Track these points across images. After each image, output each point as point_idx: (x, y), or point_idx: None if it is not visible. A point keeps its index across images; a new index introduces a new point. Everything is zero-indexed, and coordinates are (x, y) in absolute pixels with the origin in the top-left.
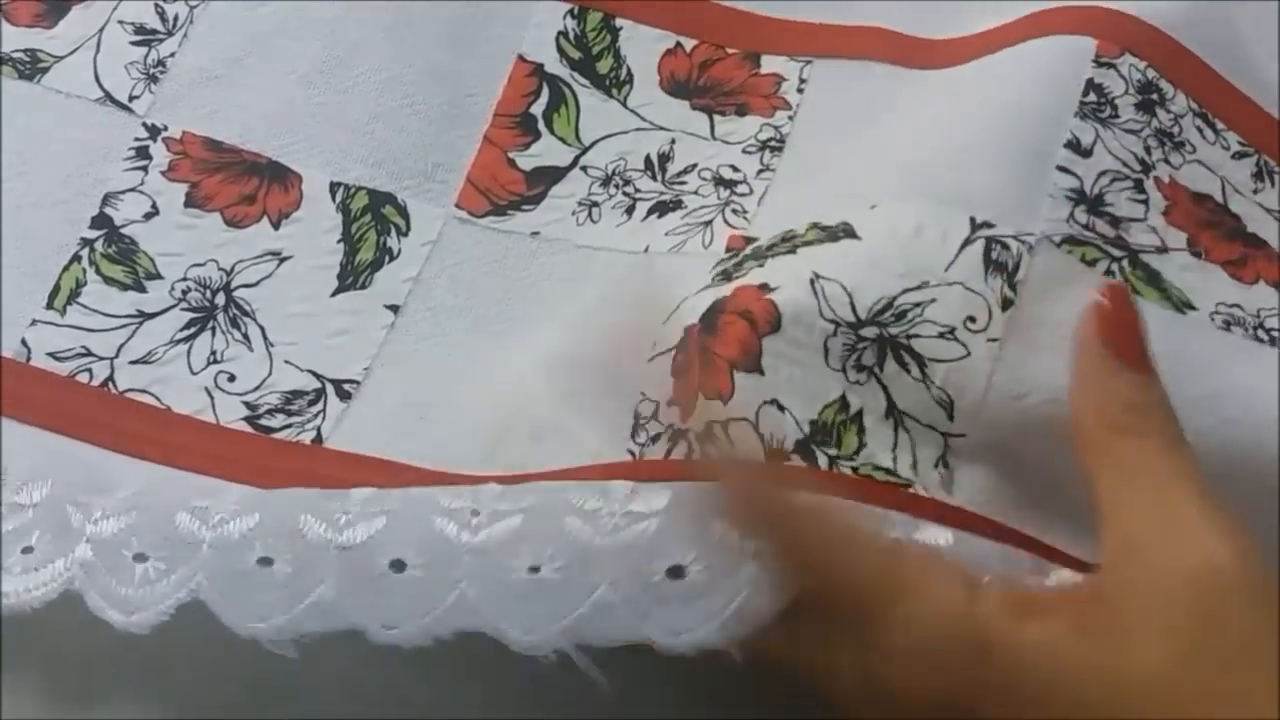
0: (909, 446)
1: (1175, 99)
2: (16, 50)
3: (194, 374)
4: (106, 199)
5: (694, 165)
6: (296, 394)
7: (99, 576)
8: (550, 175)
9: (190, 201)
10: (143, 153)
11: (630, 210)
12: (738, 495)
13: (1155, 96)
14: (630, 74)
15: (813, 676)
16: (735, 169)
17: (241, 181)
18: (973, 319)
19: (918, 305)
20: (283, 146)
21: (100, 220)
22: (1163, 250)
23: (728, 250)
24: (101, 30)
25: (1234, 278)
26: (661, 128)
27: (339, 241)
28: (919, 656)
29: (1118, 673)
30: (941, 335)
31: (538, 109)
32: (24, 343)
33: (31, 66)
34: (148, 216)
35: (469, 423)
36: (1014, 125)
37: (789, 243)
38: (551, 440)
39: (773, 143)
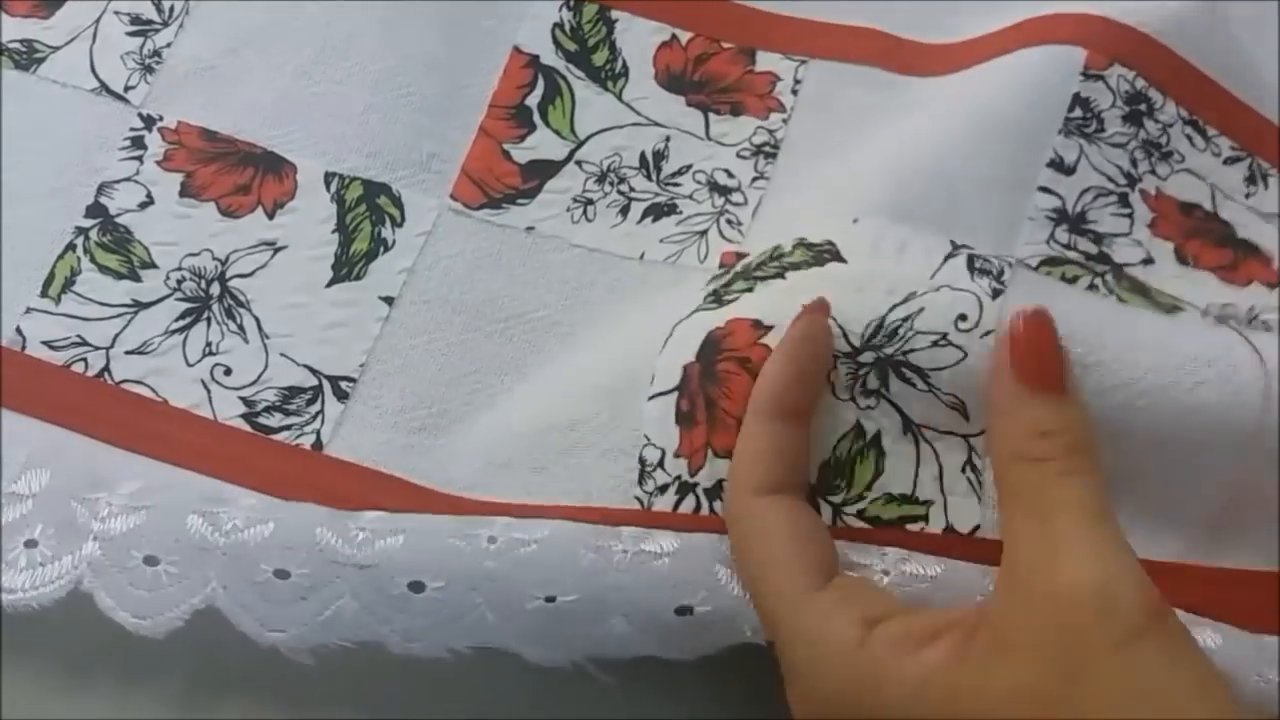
0: (933, 458)
1: (1164, 108)
2: (13, 40)
3: (190, 366)
4: (102, 188)
5: (689, 166)
6: (294, 391)
7: (109, 577)
8: (545, 169)
9: (185, 191)
10: (138, 142)
11: (625, 210)
12: None
13: (1143, 107)
14: (626, 66)
15: None
16: (730, 174)
17: (236, 171)
18: (964, 317)
19: (906, 319)
20: (278, 137)
21: (95, 209)
22: (1149, 262)
23: (721, 266)
24: (98, 21)
25: (1225, 281)
26: (656, 124)
27: (334, 232)
28: (817, 698)
29: (989, 695)
30: (935, 344)
31: (533, 101)
32: (19, 331)
33: (28, 56)
34: (143, 206)
35: (471, 442)
36: (996, 147)
37: (777, 262)
38: (556, 473)
39: (767, 148)
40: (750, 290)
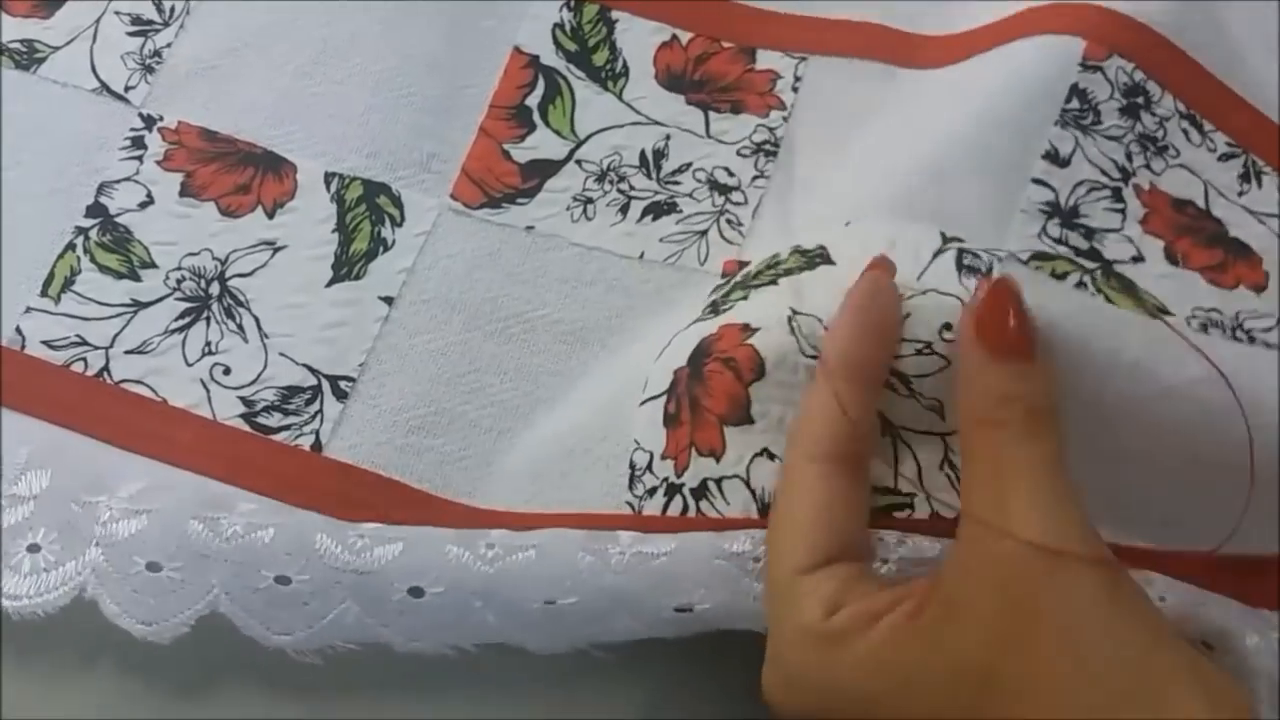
0: (910, 456)
1: (1162, 101)
2: (13, 40)
3: (189, 365)
4: (102, 188)
5: (689, 164)
6: (293, 391)
7: (113, 583)
8: (545, 168)
9: (185, 191)
10: (138, 142)
11: (625, 209)
12: None
13: (1141, 100)
14: (626, 66)
15: None
16: (730, 173)
17: (236, 171)
18: (949, 326)
19: None
20: (278, 137)
21: (95, 209)
22: (1138, 259)
23: (723, 276)
24: (98, 21)
25: (1213, 283)
26: (657, 122)
27: (333, 231)
28: (781, 677)
29: (935, 666)
30: (919, 352)
31: (533, 101)
32: (19, 330)
33: (28, 56)
34: (143, 205)
35: (470, 446)
36: (992, 139)
37: (772, 270)
38: (551, 480)
39: (767, 146)
40: (745, 299)
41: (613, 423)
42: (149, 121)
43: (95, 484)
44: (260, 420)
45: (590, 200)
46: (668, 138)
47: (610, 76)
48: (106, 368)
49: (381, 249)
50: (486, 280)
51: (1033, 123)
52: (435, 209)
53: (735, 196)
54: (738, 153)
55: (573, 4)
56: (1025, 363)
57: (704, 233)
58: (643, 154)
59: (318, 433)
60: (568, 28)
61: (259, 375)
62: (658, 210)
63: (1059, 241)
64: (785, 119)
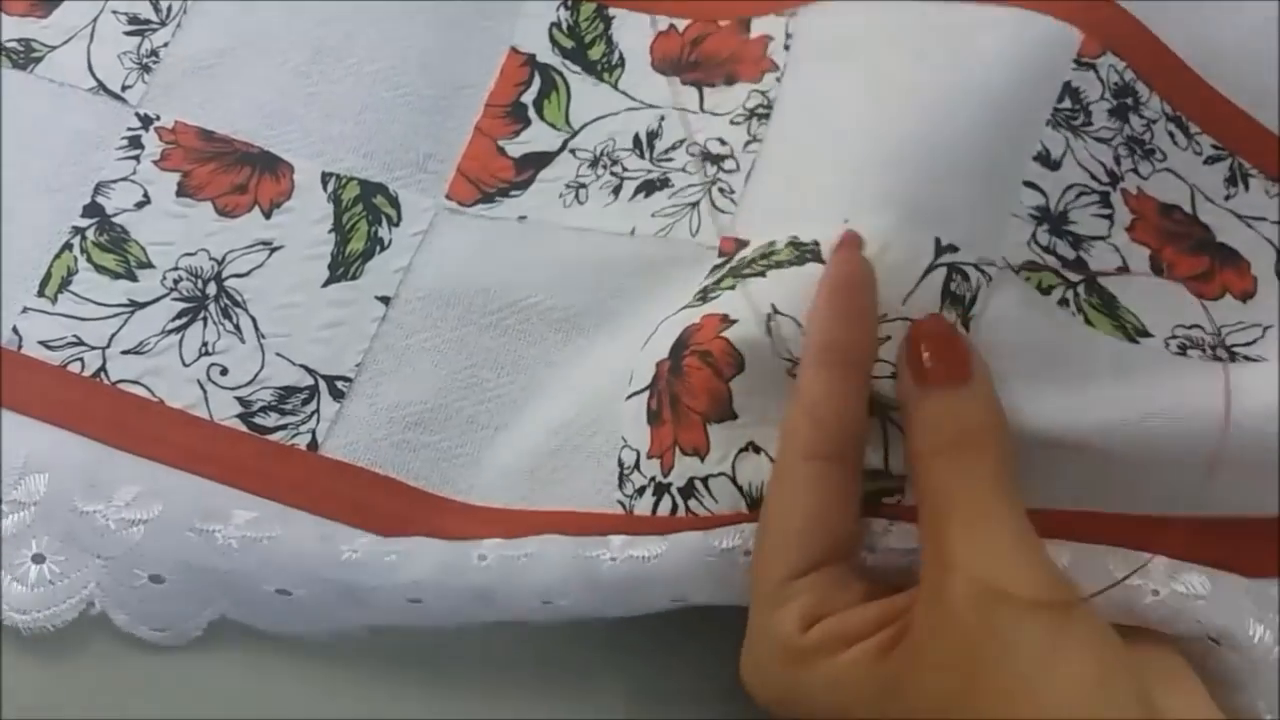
0: (900, 439)
1: (1150, 102)
2: (10, 39)
3: (186, 366)
4: (98, 188)
5: (682, 140)
6: (290, 391)
7: (119, 595)
8: (538, 160)
9: (182, 191)
10: (135, 142)
11: (617, 190)
12: None
13: (1130, 101)
14: (623, 57)
15: None
16: (723, 142)
17: (233, 171)
18: (898, 358)
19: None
20: (275, 137)
21: (92, 209)
22: (1124, 270)
23: (720, 255)
24: (95, 20)
25: (1197, 295)
26: (651, 105)
27: (330, 231)
28: (759, 676)
29: (891, 708)
30: (893, 375)
31: (528, 98)
32: (15, 330)
33: (25, 56)
34: (139, 205)
35: (466, 443)
36: (986, 138)
37: (765, 261)
38: (544, 477)
39: (760, 109)
40: (733, 289)
41: (602, 416)
42: (146, 121)
43: (93, 488)
44: (257, 420)
45: (583, 185)
46: (661, 119)
47: (606, 69)
48: (104, 368)
49: (378, 249)
50: (479, 273)
51: (1026, 121)
52: (432, 209)
53: (727, 164)
54: (730, 121)
55: (570, 3)
56: (954, 386)
57: (695, 204)
58: (636, 137)
59: (314, 432)
60: (564, 26)
61: (255, 375)
62: (650, 188)
63: (1047, 250)
64: (778, 79)
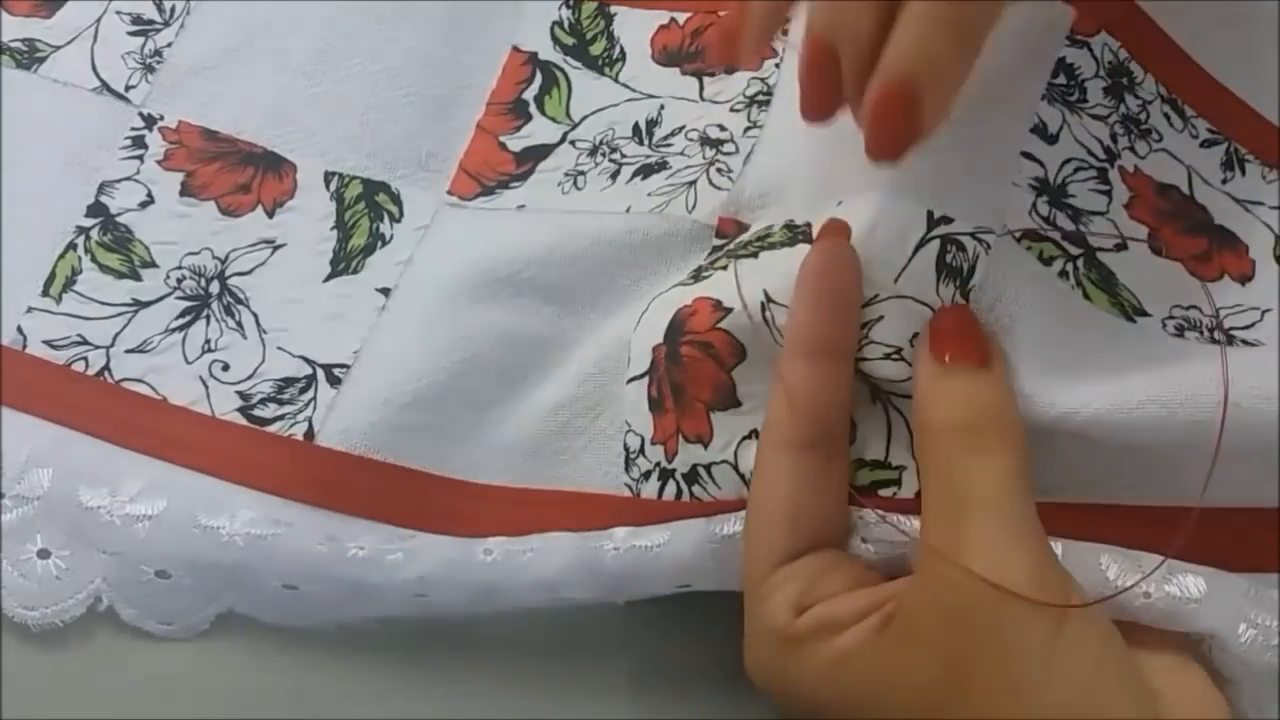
0: (904, 424)
1: (1144, 83)
2: (14, 39)
3: (189, 363)
4: (102, 187)
5: (681, 127)
6: (288, 381)
7: (125, 590)
8: (539, 152)
9: (186, 190)
10: (139, 142)
11: (615, 175)
12: None
13: (1125, 80)
14: (623, 52)
15: None
16: (722, 128)
17: (237, 171)
18: (919, 337)
19: (865, 325)
20: (278, 136)
21: (96, 208)
22: (1122, 247)
23: (719, 235)
24: (99, 20)
25: (1194, 274)
26: (651, 95)
27: (332, 229)
28: (758, 662)
29: (892, 686)
30: (888, 356)
31: (530, 94)
32: (20, 330)
33: (29, 56)
34: (143, 205)
35: (463, 423)
36: (983, 110)
37: (760, 242)
38: (547, 459)
39: (760, 97)
40: (724, 269)
41: (605, 398)
42: (149, 121)
43: (96, 484)
44: (256, 413)
45: (582, 173)
46: (661, 108)
47: (608, 63)
48: (107, 366)
49: (380, 244)
50: (476, 256)
51: (1021, 92)
52: (434, 205)
53: (726, 148)
54: (730, 109)
55: (572, 2)
56: (975, 370)
57: (692, 183)
58: (635, 125)
59: (310, 420)
60: (566, 24)
61: (256, 369)
62: (648, 171)
63: (1047, 220)
64: (777, 65)
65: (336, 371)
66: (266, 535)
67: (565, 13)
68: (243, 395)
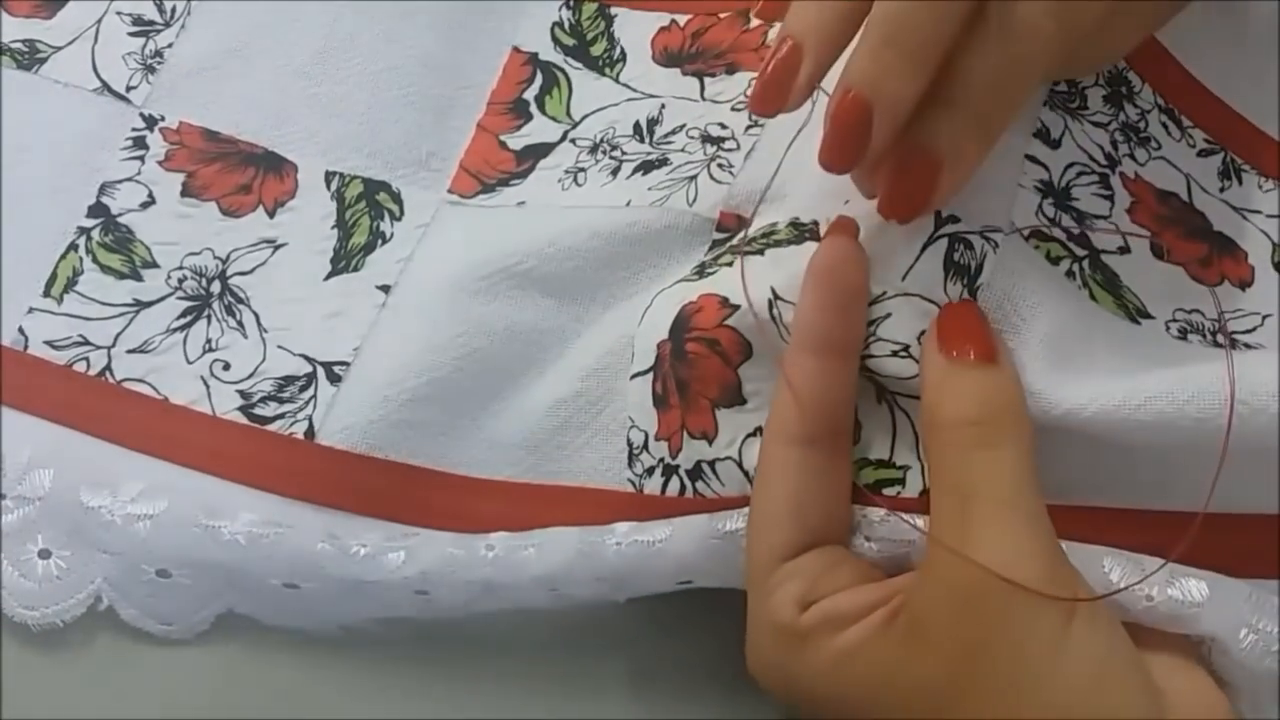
0: (908, 425)
1: (1142, 93)
2: (15, 40)
3: (190, 363)
4: (103, 188)
5: (682, 125)
6: (289, 380)
7: (125, 590)
8: (539, 151)
9: (187, 191)
10: (140, 143)
11: (615, 171)
12: None
13: (1124, 89)
14: (624, 52)
15: None
16: (724, 126)
17: (238, 171)
18: (927, 333)
19: (872, 322)
20: (279, 137)
21: (97, 209)
22: (1125, 250)
23: (719, 229)
24: (99, 21)
25: (1196, 279)
26: (652, 95)
27: (333, 228)
28: (762, 660)
29: (898, 684)
30: (895, 354)
31: (530, 94)
32: (21, 330)
33: (30, 56)
34: (144, 205)
35: (464, 417)
36: None
37: (764, 240)
38: (548, 452)
39: None
40: (730, 265)
41: (606, 394)
42: (150, 122)
43: (98, 485)
44: (256, 411)
45: (582, 170)
46: (662, 107)
47: (608, 64)
48: (109, 367)
49: (380, 242)
50: (476, 250)
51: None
52: (434, 204)
53: (727, 144)
54: (731, 108)
55: (572, 3)
56: (984, 365)
57: (693, 178)
58: (636, 124)
59: (310, 418)
60: (566, 25)
61: (257, 368)
62: (648, 167)
63: (1053, 221)
64: None
65: (336, 369)
66: (268, 534)
67: (566, 14)
68: (243, 394)
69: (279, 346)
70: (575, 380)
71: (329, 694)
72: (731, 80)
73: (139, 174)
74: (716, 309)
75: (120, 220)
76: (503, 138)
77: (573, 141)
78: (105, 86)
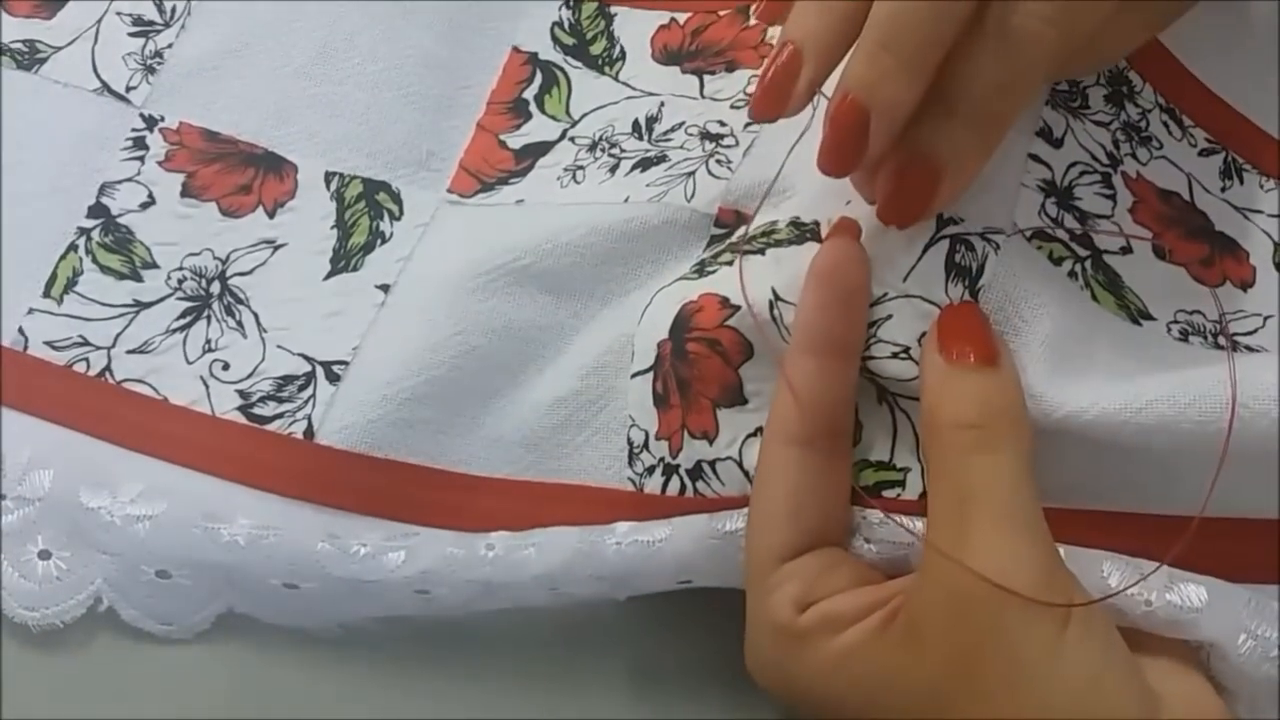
0: (909, 426)
1: (1143, 92)
2: (15, 40)
3: (189, 363)
4: (103, 188)
5: (681, 123)
6: (288, 379)
7: (126, 590)
8: (538, 149)
9: (187, 191)
10: (139, 143)
11: (614, 169)
12: None
13: (1124, 89)
14: (624, 51)
15: None
16: (723, 123)
17: (238, 171)
18: (927, 335)
19: (873, 324)
20: (279, 137)
21: (97, 210)
22: (1127, 250)
23: (718, 224)
24: (99, 21)
25: (1197, 279)
26: (651, 93)
27: (333, 228)
28: (760, 659)
29: (896, 687)
30: (895, 355)
31: (530, 93)
32: (21, 331)
33: (29, 56)
34: (144, 206)
35: (463, 415)
36: None
37: (764, 239)
38: (548, 450)
39: None
40: (730, 264)
41: (607, 392)
42: (150, 122)
43: (97, 485)
44: (255, 411)
45: (580, 167)
46: (661, 105)
47: (608, 62)
48: (109, 367)
49: (379, 241)
50: (474, 249)
51: None
52: (433, 203)
53: (726, 141)
54: (731, 106)
55: (572, 2)
56: (984, 368)
57: (691, 174)
58: (635, 122)
59: (309, 418)
60: (566, 25)
61: (256, 368)
62: (646, 164)
63: (1056, 221)
64: None
65: (335, 369)
66: (267, 534)
67: (565, 13)
68: (243, 394)
69: (278, 346)
70: (575, 378)
71: (329, 694)
72: (731, 78)
73: (139, 174)
74: (717, 309)
75: (120, 221)
76: (502, 137)
77: (572, 140)
78: (105, 87)
